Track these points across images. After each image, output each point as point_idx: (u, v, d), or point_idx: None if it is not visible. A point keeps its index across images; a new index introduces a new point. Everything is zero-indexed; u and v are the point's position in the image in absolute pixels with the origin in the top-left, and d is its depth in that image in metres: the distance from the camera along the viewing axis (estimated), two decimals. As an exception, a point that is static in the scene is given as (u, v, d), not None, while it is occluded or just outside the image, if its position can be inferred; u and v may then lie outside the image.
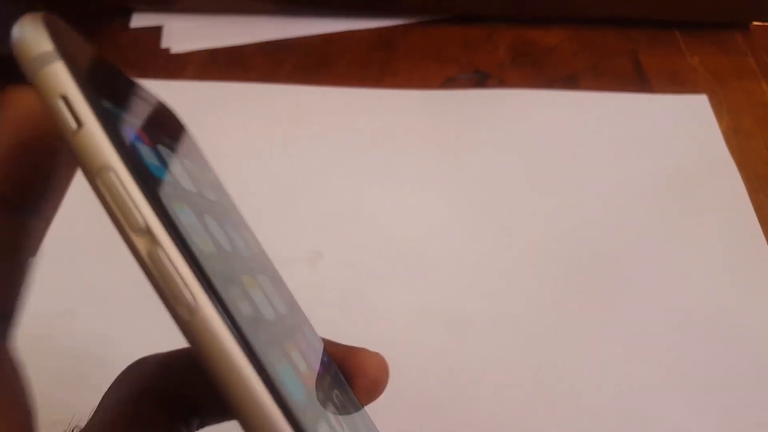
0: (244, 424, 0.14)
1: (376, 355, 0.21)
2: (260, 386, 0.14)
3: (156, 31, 0.59)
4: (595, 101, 0.52)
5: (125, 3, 0.61)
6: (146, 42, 0.58)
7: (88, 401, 0.20)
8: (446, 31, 0.59)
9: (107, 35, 0.59)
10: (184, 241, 0.14)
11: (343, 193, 0.45)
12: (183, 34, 0.58)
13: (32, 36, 0.14)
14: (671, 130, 0.49)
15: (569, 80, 0.54)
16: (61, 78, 0.14)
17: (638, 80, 0.54)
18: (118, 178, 0.14)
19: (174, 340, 0.16)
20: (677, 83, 0.54)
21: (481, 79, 0.54)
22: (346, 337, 0.21)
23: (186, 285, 0.14)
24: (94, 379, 0.36)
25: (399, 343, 0.37)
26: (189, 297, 0.14)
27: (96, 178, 0.14)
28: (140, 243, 0.14)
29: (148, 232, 0.14)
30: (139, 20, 0.60)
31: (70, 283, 0.41)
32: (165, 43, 0.58)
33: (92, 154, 0.14)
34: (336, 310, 0.39)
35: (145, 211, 0.14)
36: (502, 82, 0.54)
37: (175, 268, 0.14)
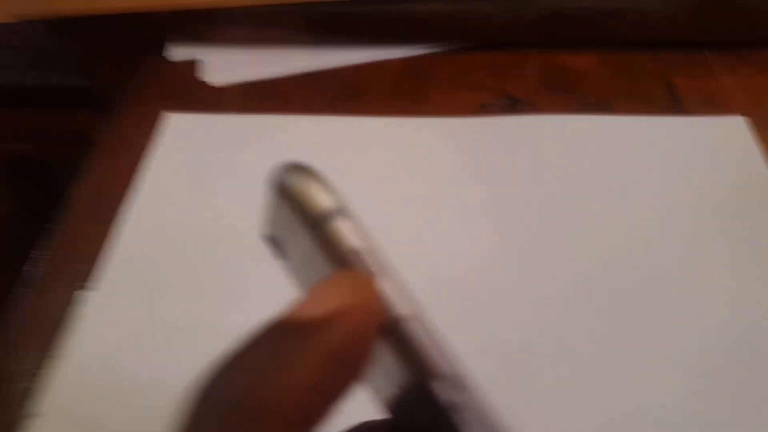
0: None
1: None
2: None
3: (195, 64, 0.61)
4: (630, 125, 0.52)
5: (159, 37, 0.63)
6: (187, 74, 0.60)
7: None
8: (474, 57, 0.59)
9: (149, 67, 0.61)
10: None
11: (380, 223, 0.46)
12: (220, 66, 0.60)
13: (315, 190, 0.16)
14: (710, 153, 0.49)
15: (602, 105, 0.54)
16: (350, 233, 0.16)
17: (672, 104, 0.54)
18: (414, 326, 0.16)
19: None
20: (712, 105, 0.53)
21: (512, 105, 0.55)
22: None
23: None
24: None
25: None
26: None
27: (392, 327, 0.16)
28: (442, 389, 0.15)
29: (452, 379, 0.16)
30: (177, 53, 0.62)
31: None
32: (206, 76, 0.59)
33: (391, 306, 0.16)
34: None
35: (447, 361, 0.16)
36: (533, 108, 0.54)
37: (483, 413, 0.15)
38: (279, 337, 0.15)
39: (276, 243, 0.20)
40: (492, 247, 0.44)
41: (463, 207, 0.47)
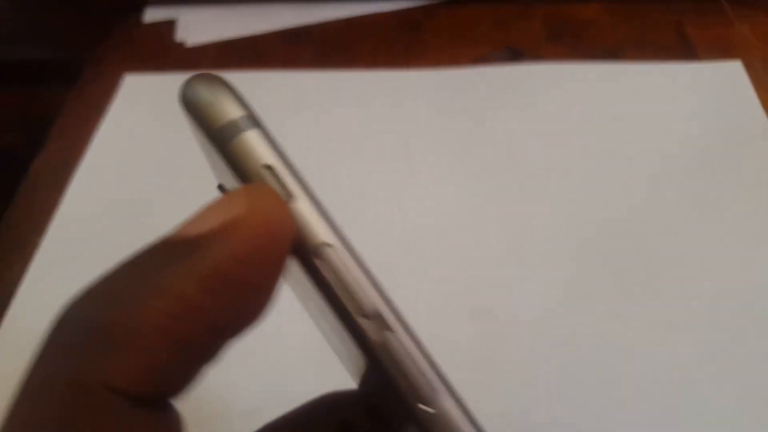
0: None
1: None
2: None
3: (170, 25, 0.56)
4: (624, 72, 0.48)
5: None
6: (161, 36, 0.56)
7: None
8: (475, 9, 0.55)
9: (121, 31, 0.57)
10: (409, 327, 0.14)
11: (364, 180, 0.42)
12: (197, 26, 0.56)
13: (218, 100, 0.14)
14: (705, 99, 0.46)
15: (610, 54, 0.50)
16: (261, 146, 0.14)
17: (684, 52, 0.50)
18: (337, 256, 0.14)
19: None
20: (727, 53, 0.49)
21: (514, 57, 0.50)
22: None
23: (425, 376, 0.13)
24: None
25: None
26: (427, 389, 0.13)
27: (313, 257, 0.13)
28: (370, 328, 0.14)
29: (377, 316, 0.13)
30: (153, 14, 0.58)
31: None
32: (180, 36, 0.55)
33: (309, 228, 0.14)
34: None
35: (372, 295, 0.14)
36: (536, 59, 0.50)
37: (412, 358, 0.14)
38: (152, 259, 0.13)
39: (221, 188, 0.17)
40: (486, 199, 0.41)
41: (455, 161, 0.43)
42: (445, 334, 0.34)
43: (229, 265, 0.12)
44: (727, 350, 0.33)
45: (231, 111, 0.14)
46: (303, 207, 0.14)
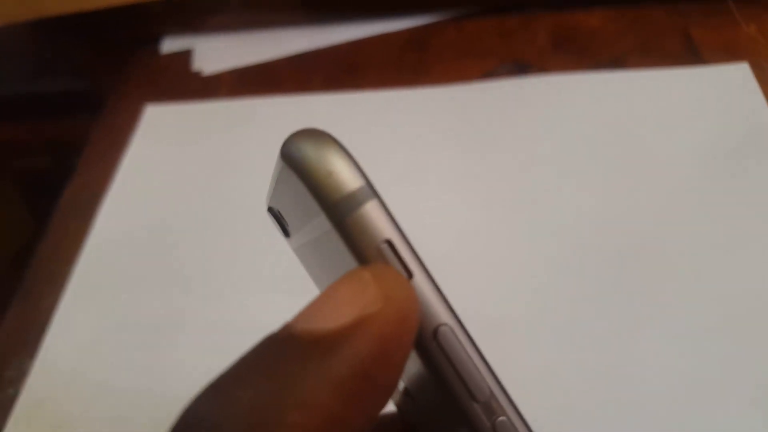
0: None
1: None
2: None
3: (187, 55, 0.58)
4: (630, 80, 0.48)
5: (154, 30, 0.61)
6: (178, 66, 0.58)
7: None
8: (480, 24, 0.56)
9: (141, 61, 0.60)
10: (519, 411, 0.13)
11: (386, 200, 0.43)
12: (213, 55, 0.58)
13: (334, 167, 0.13)
14: (713, 103, 0.46)
15: (616, 63, 0.50)
16: (381, 220, 0.13)
17: (690, 56, 0.50)
18: (456, 337, 0.13)
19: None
20: (734, 56, 0.49)
21: (521, 70, 0.51)
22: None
23: None
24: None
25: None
26: None
27: (431, 337, 0.13)
28: (482, 413, 0.13)
29: (492, 401, 0.13)
30: (170, 45, 0.60)
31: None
32: (197, 65, 0.57)
33: (429, 309, 0.13)
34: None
35: (488, 379, 0.13)
36: (544, 71, 0.51)
37: None
38: (285, 361, 0.12)
39: (281, 219, 0.16)
40: (498, 211, 0.42)
41: (466, 174, 0.44)
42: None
43: (366, 366, 0.11)
44: (738, 359, 0.33)
45: (350, 181, 0.13)
46: (422, 284, 0.13)
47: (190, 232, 0.44)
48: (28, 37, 0.67)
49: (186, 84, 0.56)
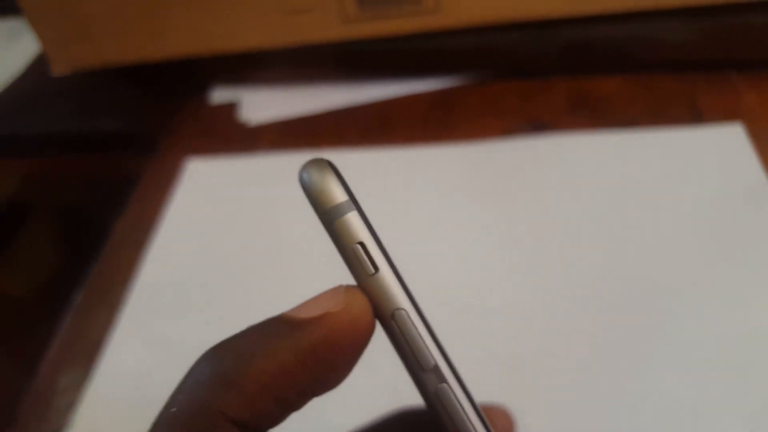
0: None
1: (504, 411, 0.24)
2: None
3: (234, 106, 0.64)
4: (637, 140, 0.53)
5: (205, 80, 0.67)
6: (226, 115, 0.63)
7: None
8: (502, 86, 0.61)
9: (190, 108, 0.65)
10: (461, 379, 0.17)
11: (409, 248, 0.48)
12: (258, 106, 0.63)
13: (327, 186, 0.17)
14: (709, 161, 0.50)
15: (627, 125, 0.55)
16: (357, 227, 0.17)
17: (694, 122, 0.54)
18: (410, 319, 0.17)
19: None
20: (733, 119, 0.53)
21: (538, 128, 0.56)
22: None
23: (472, 424, 0.17)
24: None
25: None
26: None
27: (389, 318, 0.17)
28: (429, 380, 0.17)
29: (435, 370, 0.17)
30: (220, 96, 0.66)
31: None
32: (244, 115, 0.63)
33: (388, 295, 0.17)
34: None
35: (434, 352, 0.17)
36: (559, 130, 0.55)
37: (462, 407, 0.17)
38: (267, 329, 0.17)
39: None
40: (521, 262, 0.46)
41: (488, 227, 0.48)
42: (485, 388, 0.39)
43: (321, 347, 0.16)
44: (733, 392, 0.37)
45: (336, 196, 0.17)
46: (386, 276, 0.17)
47: (230, 278, 0.48)
48: (87, 79, 0.73)
49: (233, 132, 0.61)
